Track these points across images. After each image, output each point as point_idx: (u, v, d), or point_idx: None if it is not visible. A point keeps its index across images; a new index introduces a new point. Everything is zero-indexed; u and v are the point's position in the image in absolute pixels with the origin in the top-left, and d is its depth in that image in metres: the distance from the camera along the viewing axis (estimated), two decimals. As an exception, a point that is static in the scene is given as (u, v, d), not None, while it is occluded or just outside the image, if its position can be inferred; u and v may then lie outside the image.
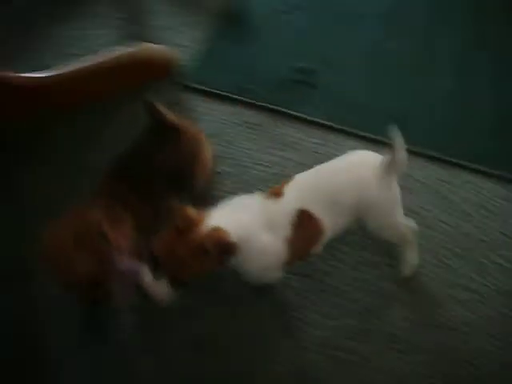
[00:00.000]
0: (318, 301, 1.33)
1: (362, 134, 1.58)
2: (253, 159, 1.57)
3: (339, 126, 1.60)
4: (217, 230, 1.05)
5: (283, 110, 1.65)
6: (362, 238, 1.40)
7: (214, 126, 1.64)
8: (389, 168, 1.15)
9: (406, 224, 1.28)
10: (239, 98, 1.69)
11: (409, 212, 1.33)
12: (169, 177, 1.28)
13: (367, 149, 1.48)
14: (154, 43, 1.78)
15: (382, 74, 1.74)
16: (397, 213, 1.23)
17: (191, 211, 1.07)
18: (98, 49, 1.79)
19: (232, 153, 1.58)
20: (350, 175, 1.17)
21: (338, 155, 1.52)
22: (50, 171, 1.58)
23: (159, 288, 1.09)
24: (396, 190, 1.21)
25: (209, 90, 1.71)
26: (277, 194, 1.17)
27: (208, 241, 1.04)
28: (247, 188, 1.48)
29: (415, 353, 1.27)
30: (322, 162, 1.34)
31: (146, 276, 1.09)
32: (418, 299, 1.35)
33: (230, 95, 1.70)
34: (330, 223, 1.17)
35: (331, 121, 1.61)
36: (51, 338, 1.31)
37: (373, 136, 1.56)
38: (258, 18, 1.92)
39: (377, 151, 1.22)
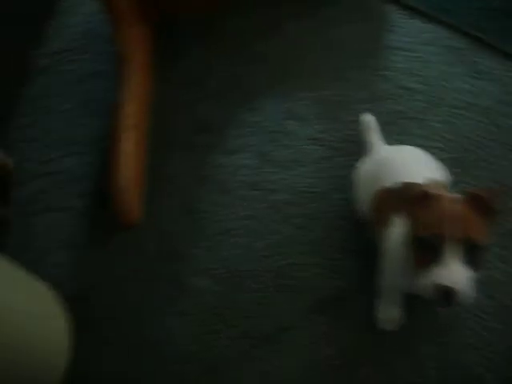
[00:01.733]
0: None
1: None
2: (442, 80, 1.57)
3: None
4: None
5: (485, 38, 1.61)
6: None
7: (408, 41, 1.65)
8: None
9: None
10: (441, 18, 1.66)
11: None
12: None
13: None
14: None
15: None
16: None
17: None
18: None
19: (423, 70, 1.59)
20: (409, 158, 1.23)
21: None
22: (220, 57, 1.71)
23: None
24: None
25: (411, 4, 1.71)
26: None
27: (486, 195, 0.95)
28: (430, 109, 1.53)
29: None
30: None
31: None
32: None
33: (432, 14, 1.68)
34: None
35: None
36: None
37: None
38: None
39: None
